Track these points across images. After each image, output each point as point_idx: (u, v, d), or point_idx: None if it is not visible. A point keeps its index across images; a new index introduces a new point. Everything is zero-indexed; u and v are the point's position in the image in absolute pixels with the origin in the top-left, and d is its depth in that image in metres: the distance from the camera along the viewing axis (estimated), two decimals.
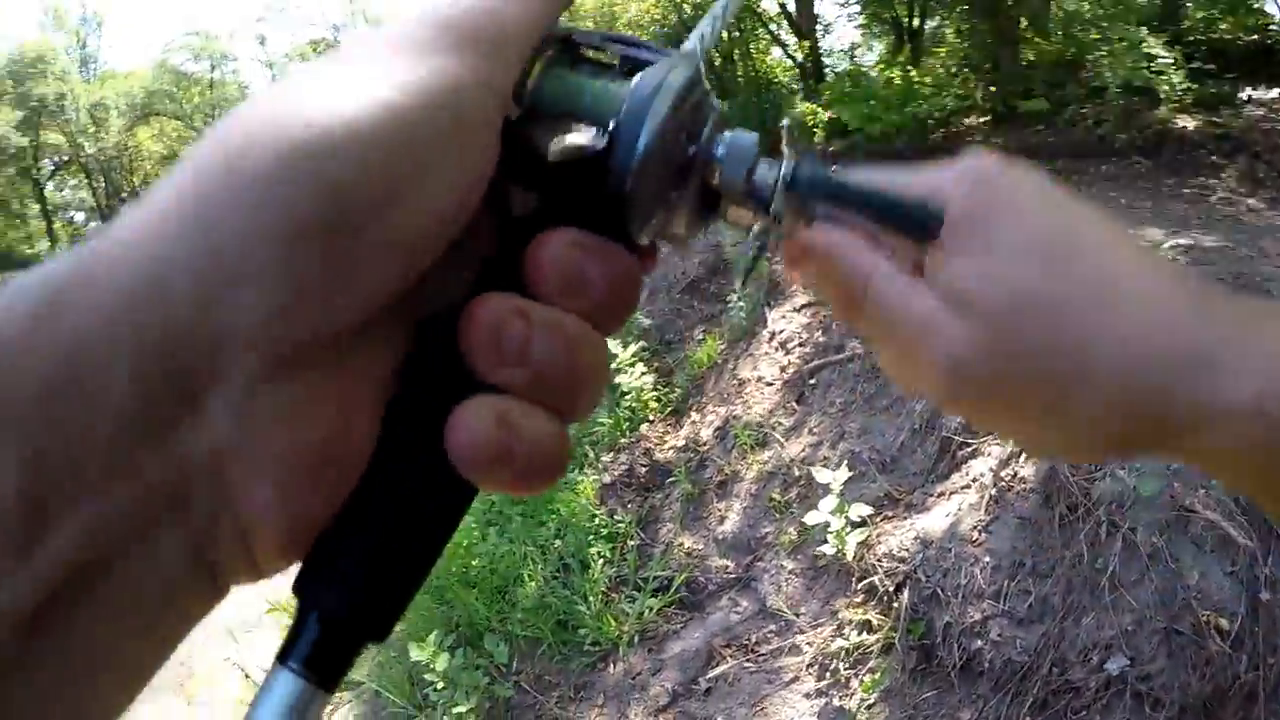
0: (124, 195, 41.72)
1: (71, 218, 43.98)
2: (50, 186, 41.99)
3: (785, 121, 0.44)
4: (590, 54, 0.35)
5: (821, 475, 3.14)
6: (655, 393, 5.27)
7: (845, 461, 3.32)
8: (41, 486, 0.22)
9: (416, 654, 3.16)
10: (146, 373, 0.24)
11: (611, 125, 0.32)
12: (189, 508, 0.25)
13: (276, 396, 0.26)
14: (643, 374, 5.24)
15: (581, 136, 0.31)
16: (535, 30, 0.32)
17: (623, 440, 4.95)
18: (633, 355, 5.22)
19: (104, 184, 41.12)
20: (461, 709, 3.10)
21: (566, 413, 0.31)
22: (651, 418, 5.15)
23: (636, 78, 0.33)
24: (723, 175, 0.37)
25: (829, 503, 3.01)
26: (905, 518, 3.00)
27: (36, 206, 40.74)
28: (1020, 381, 0.38)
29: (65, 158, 40.25)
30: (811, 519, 3.08)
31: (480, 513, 4.25)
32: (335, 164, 0.26)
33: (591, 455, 4.78)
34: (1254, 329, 0.38)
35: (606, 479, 4.51)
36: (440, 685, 3.18)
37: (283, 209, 0.25)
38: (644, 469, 4.59)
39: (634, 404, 5.15)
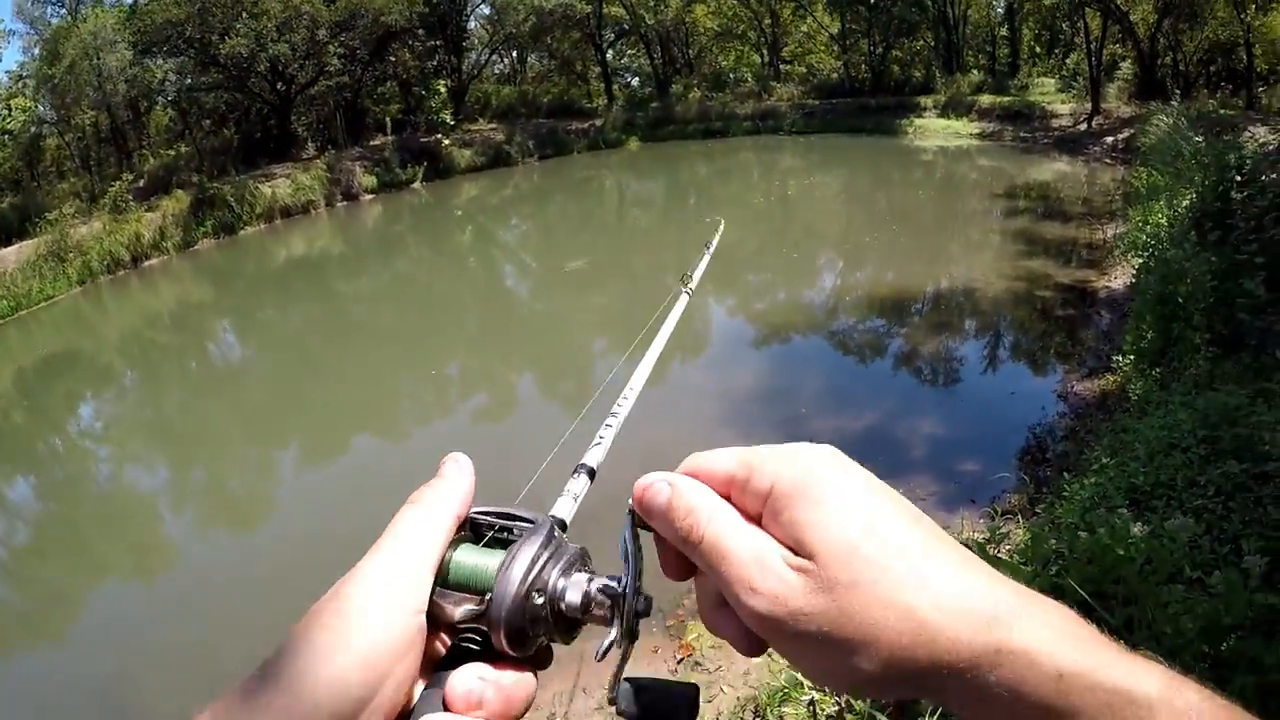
0: (679, 65, 43.91)
1: (629, 82, 46.77)
2: (610, 53, 44.84)
3: (623, 541, 0.60)
4: (485, 531, 0.60)
5: None
6: None
7: None
8: None
9: None
10: None
11: (487, 597, 0.54)
12: None
13: None
14: None
15: (466, 608, 0.55)
16: (444, 544, 0.57)
17: None
18: None
19: (660, 54, 43.14)
20: None
21: None
22: None
23: (504, 556, 0.56)
24: (568, 609, 0.57)
25: None
26: None
27: (598, 69, 43.81)
28: (832, 615, 0.49)
29: (626, 28, 42.61)
30: None
31: None
32: None
33: None
34: (1034, 601, 0.50)
35: None
36: None
37: None
38: None
39: None
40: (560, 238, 23.50)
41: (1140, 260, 10.40)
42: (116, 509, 10.57)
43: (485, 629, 0.55)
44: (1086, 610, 3.57)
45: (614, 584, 0.57)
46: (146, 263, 23.95)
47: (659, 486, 0.56)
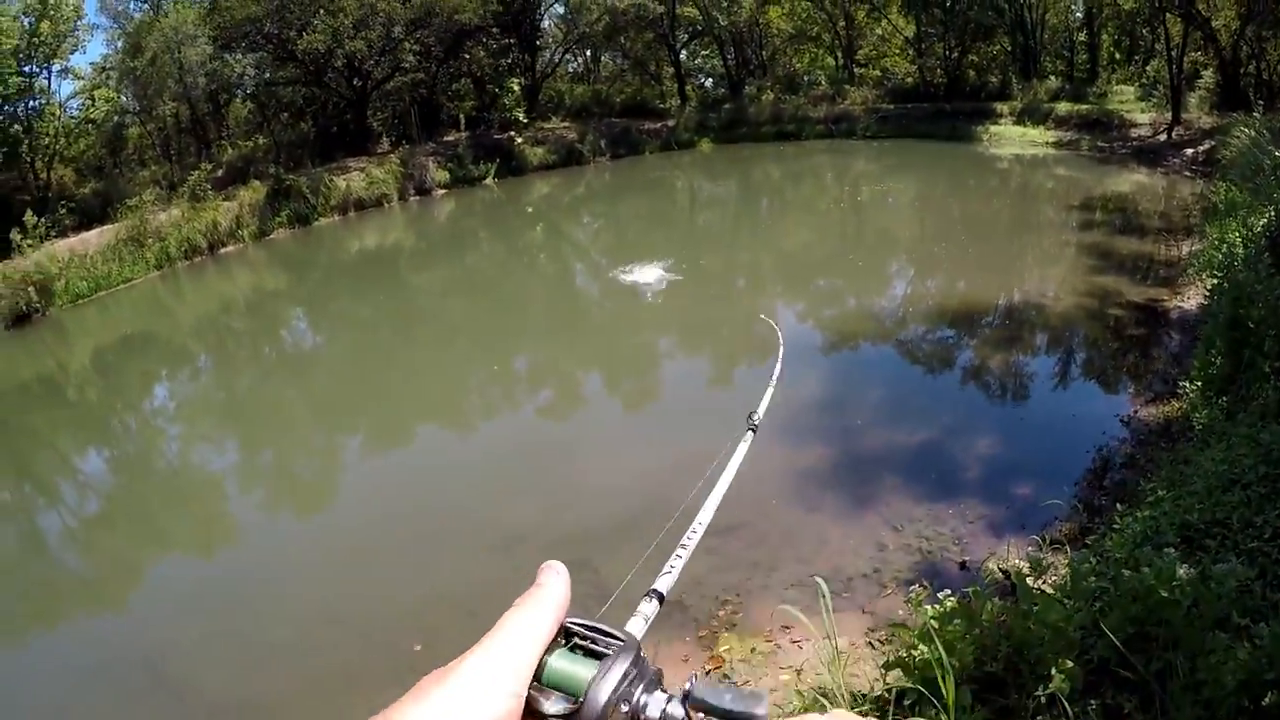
0: (752, 66, 43.65)
1: (702, 83, 46.41)
2: (684, 54, 44.62)
3: (688, 685, 0.65)
4: (578, 640, 0.67)
5: None
6: None
7: None
8: None
9: None
10: None
11: (578, 700, 0.61)
12: None
13: None
14: None
15: (560, 705, 0.62)
16: (544, 646, 0.64)
17: None
18: None
19: (734, 55, 42.91)
20: None
21: None
22: None
23: (596, 668, 0.63)
24: None
25: None
26: None
27: (671, 70, 43.58)
28: None
29: (699, 28, 42.40)
30: None
31: None
32: None
33: None
34: None
35: None
36: None
37: None
38: None
39: None
40: (631, 237, 23.59)
41: (1214, 281, 10.09)
42: (183, 486, 10.95)
43: None
44: (1119, 656, 3.51)
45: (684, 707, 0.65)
46: (223, 250, 24.65)
47: None
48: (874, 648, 5.31)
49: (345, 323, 17.95)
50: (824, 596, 4.11)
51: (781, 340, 2.83)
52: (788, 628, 5.66)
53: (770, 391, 1.81)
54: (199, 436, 12.66)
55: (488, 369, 13.43)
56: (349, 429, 11.94)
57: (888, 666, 4.10)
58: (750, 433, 1.53)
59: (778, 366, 2.06)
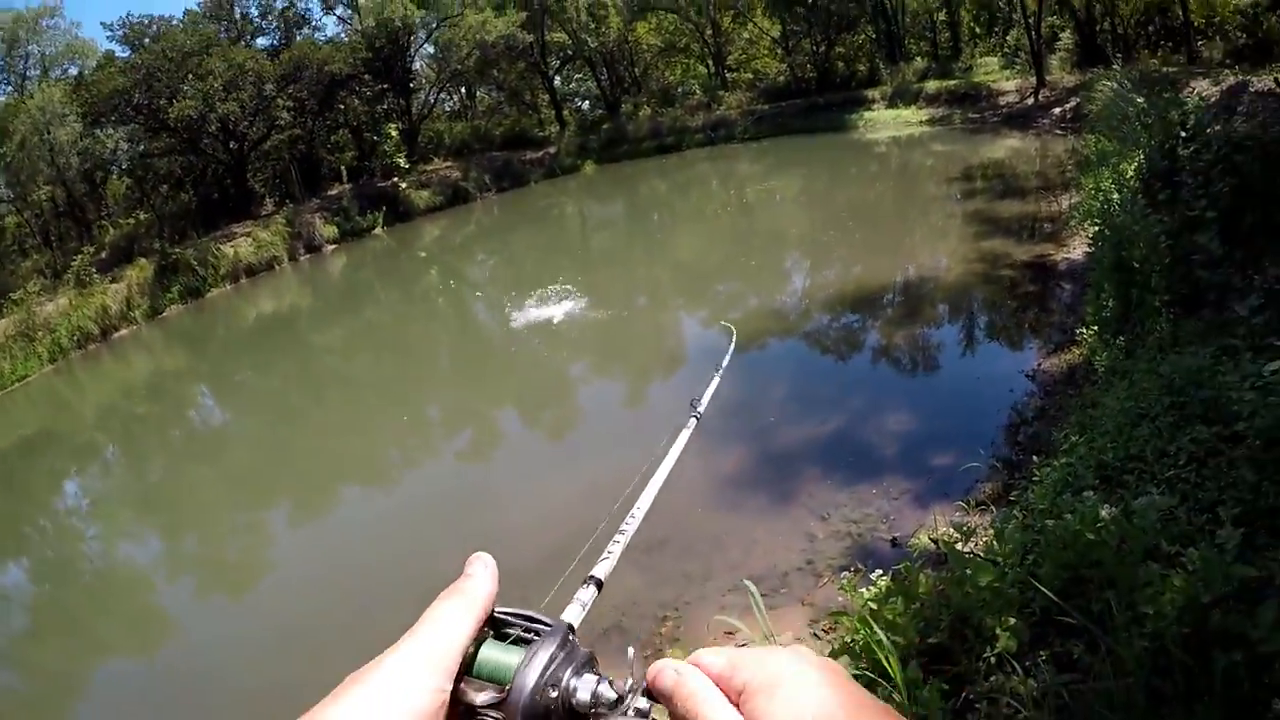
0: (626, 84, 43.96)
1: (579, 106, 46.71)
2: (558, 80, 44.86)
3: (630, 652, 0.68)
4: (507, 630, 0.67)
5: None
6: None
7: None
8: None
9: None
10: None
11: (506, 688, 0.62)
12: None
13: None
14: None
15: (488, 695, 0.62)
16: (469, 637, 0.65)
17: None
18: None
19: (607, 75, 43.28)
20: None
21: None
22: None
23: (524, 654, 0.64)
24: (578, 706, 0.64)
25: None
26: None
27: (546, 96, 43.85)
28: None
29: (570, 53, 42.66)
30: None
31: None
32: None
33: None
34: None
35: None
36: None
37: None
38: None
39: None
40: (529, 269, 23.42)
41: (1095, 229, 10.41)
42: (111, 585, 10.44)
43: (504, 715, 0.62)
44: (1058, 605, 3.49)
45: (618, 686, 0.65)
46: (116, 334, 23.72)
47: (668, 674, 0.65)
48: (819, 638, 5.24)
49: (251, 394, 17.40)
50: (754, 597, 4.04)
51: (734, 337, 2.78)
52: (731, 633, 5.58)
53: (716, 380, 1.81)
54: (119, 532, 12.12)
55: (398, 422, 13.13)
56: (268, 502, 11.53)
57: (834, 655, 4.03)
58: (693, 420, 1.49)
59: (726, 359, 2.07)
